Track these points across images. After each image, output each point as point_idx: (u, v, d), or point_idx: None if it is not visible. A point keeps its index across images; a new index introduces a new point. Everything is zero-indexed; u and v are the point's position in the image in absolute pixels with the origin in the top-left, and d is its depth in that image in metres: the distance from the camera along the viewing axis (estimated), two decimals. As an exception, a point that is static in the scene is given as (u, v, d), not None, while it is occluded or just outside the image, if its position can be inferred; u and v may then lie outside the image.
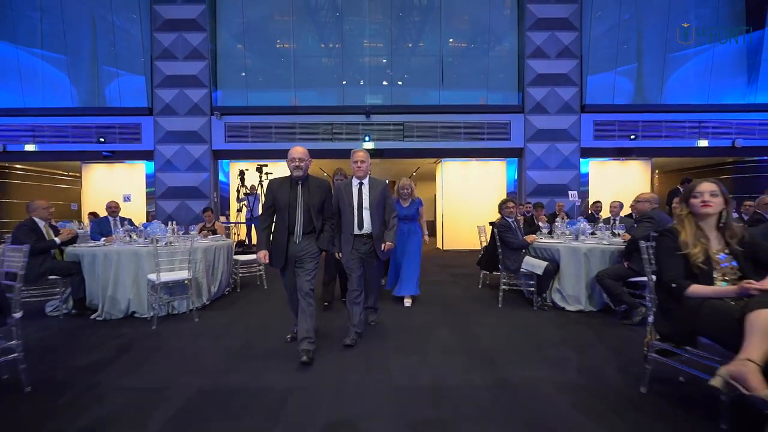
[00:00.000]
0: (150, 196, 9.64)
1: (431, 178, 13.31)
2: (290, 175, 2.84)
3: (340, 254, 3.12)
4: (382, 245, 3.09)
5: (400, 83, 9.99)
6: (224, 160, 10.05)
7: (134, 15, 9.40)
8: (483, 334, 3.22)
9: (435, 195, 12.84)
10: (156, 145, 9.36)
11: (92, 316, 3.67)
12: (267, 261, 2.78)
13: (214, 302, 4.32)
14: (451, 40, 9.96)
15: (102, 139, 9.37)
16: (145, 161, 9.65)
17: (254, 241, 7.45)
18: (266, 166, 8.12)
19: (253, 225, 7.84)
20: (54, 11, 9.43)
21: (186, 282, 3.69)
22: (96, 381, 2.35)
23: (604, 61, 9.64)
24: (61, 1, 9.36)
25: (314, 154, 8.48)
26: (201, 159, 9.42)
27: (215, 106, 9.47)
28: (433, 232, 11.59)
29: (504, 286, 4.07)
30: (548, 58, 9.48)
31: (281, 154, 8.91)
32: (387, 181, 3.20)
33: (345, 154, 9.16)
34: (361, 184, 3.11)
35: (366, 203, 3.06)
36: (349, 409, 2.01)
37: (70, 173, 11.56)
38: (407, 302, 4.14)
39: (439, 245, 10.57)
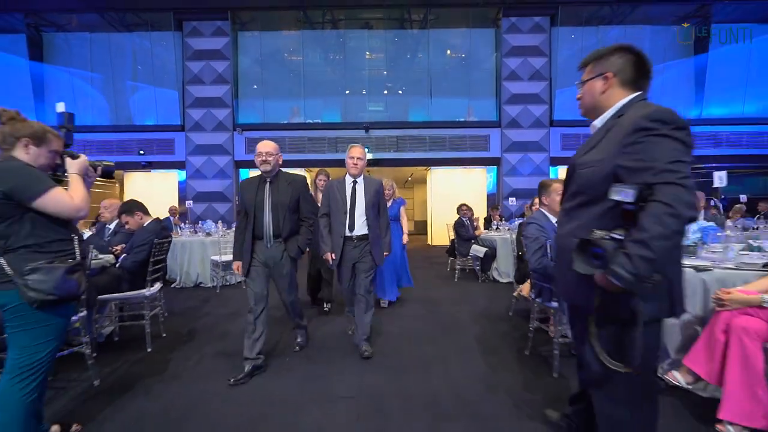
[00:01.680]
0: (182, 200, 11.34)
1: (424, 182, 14.94)
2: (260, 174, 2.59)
3: (332, 256, 2.86)
4: (383, 254, 2.94)
5: (396, 97, 11.63)
6: (244, 169, 11.72)
7: (169, 46, 11.09)
8: (441, 296, 4.84)
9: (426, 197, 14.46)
10: (187, 157, 11.05)
11: (172, 285, 5.34)
12: (241, 273, 2.58)
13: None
14: (438, 62, 11.58)
15: (142, 152, 11.08)
16: (178, 170, 11.34)
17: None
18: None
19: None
20: (102, 41, 11.16)
21: (236, 262, 5.37)
22: (205, 311, 4.02)
23: (571, 82, 11.18)
24: (109, 35, 11.09)
25: (321, 163, 10.11)
26: (225, 168, 11.09)
27: (237, 124, 11.15)
28: (423, 230, 13.19)
29: (458, 266, 5.70)
30: (521, 80, 11.02)
31: (294, 163, 10.62)
32: (381, 180, 3.11)
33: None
34: (355, 182, 2.88)
35: (360, 203, 2.83)
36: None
37: (107, 181, 13.26)
38: (383, 303, 4.11)
39: (428, 241, 12.19)
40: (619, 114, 1.28)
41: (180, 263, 5.31)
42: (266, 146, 2.56)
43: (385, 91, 11.68)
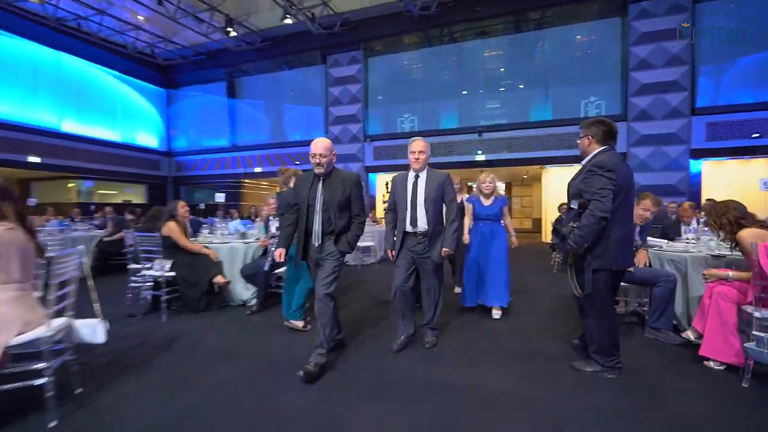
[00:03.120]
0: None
1: (539, 180, 14.77)
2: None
3: (392, 253, 2.94)
4: (441, 251, 2.82)
5: (512, 95, 12.07)
6: (373, 174, 13.79)
7: (316, 76, 13.88)
8: (535, 281, 5.55)
9: (542, 195, 14.31)
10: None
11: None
12: (281, 259, 2.66)
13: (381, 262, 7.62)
14: (555, 59, 11.54)
15: (297, 162, 14.16)
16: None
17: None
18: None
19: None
20: (269, 78, 14.66)
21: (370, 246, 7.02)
22: (273, 304, 5.70)
23: (721, 60, 9.75)
24: (275, 74, 14.53)
25: (437, 166, 11.34)
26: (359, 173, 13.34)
27: (366, 135, 13.25)
28: (538, 228, 13.19)
29: (556, 260, 6.23)
30: (654, 68, 10.11)
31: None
32: (447, 174, 2.96)
33: (463, 165, 11.65)
34: (417, 176, 2.89)
35: (421, 198, 2.82)
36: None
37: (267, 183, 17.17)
38: (496, 314, 3.73)
39: (543, 238, 12.23)
40: (591, 159, 2.29)
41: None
42: (318, 147, 2.57)
43: (502, 88, 12.16)
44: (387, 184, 11.90)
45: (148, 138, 15.53)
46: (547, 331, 3.37)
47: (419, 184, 2.87)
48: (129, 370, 2.60)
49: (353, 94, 13.21)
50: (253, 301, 4.11)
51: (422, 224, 2.82)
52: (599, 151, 2.28)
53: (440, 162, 12.11)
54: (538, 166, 12.44)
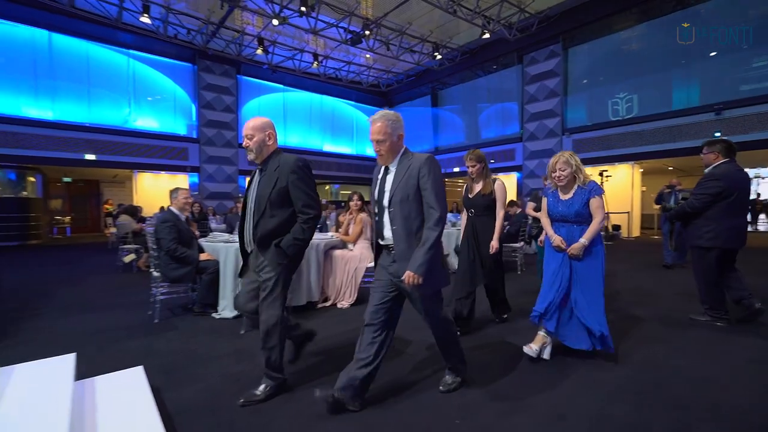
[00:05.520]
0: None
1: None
2: None
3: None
4: (405, 275, 1.88)
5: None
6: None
7: (512, 77, 14.49)
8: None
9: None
10: (524, 161, 14.09)
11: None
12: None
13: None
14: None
15: (492, 160, 15.18)
16: (516, 173, 14.63)
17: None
18: (606, 170, 10.63)
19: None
20: (466, 86, 16.20)
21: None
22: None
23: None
24: (472, 82, 15.99)
25: (653, 155, 10.36)
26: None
27: (566, 128, 12.94)
28: None
29: None
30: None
31: (622, 158, 11.27)
32: (429, 156, 2.00)
33: (692, 151, 9.97)
34: (386, 171, 2.06)
35: (386, 198, 2.00)
36: None
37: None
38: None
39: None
40: (710, 169, 3.39)
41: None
42: (247, 126, 2.11)
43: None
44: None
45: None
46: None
47: (387, 180, 2.04)
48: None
49: (551, 89, 13.16)
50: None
51: (388, 234, 2.02)
52: (719, 164, 3.30)
53: (657, 151, 10.72)
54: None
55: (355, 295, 4.26)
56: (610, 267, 5.42)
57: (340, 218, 5.04)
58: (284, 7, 10.67)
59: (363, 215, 4.50)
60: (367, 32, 11.80)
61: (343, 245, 4.52)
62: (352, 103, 18.78)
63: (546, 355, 2.64)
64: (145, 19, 10.89)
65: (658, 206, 6.86)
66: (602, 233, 2.69)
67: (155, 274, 3.74)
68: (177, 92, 13.96)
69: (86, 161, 12.09)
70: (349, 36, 12.19)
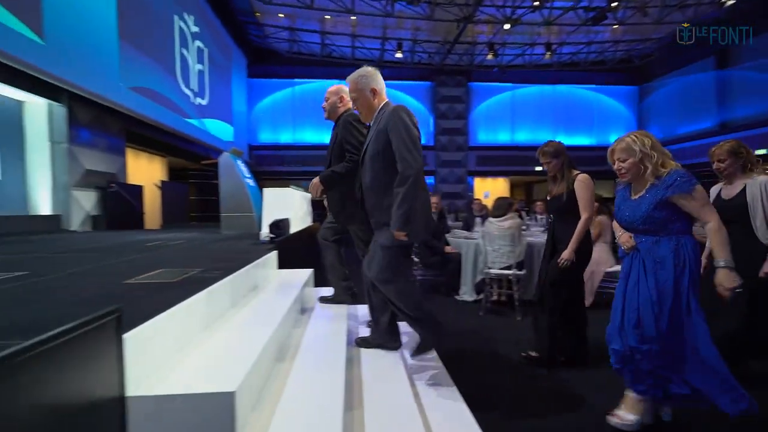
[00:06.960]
0: None
1: None
2: None
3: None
4: (387, 231, 1.85)
5: None
6: None
7: None
8: None
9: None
10: None
11: None
12: None
13: None
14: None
15: None
16: None
17: None
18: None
19: None
20: None
21: None
22: None
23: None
24: None
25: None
26: None
27: None
28: None
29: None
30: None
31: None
32: (397, 106, 1.91)
33: None
34: (370, 129, 2.04)
35: (368, 154, 1.97)
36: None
37: None
38: None
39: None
40: None
41: None
42: (329, 89, 2.48)
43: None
44: None
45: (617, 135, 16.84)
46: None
47: (368, 138, 2.02)
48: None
49: None
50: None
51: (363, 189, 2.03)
52: None
53: None
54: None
55: (591, 298, 4.05)
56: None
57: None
58: (516, 8, 10.77)
59: (602, 217, 4.23)
60: (614, 3, 10.32)
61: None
62: (593, 86, 16.50)
63: (666, 416, 1.90)
64: (398, 55, 13.42)
65: None
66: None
67: (414, 259, 4.83)
68: (419, 108, 15.85)
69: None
70: (590, 14, 11.01)
